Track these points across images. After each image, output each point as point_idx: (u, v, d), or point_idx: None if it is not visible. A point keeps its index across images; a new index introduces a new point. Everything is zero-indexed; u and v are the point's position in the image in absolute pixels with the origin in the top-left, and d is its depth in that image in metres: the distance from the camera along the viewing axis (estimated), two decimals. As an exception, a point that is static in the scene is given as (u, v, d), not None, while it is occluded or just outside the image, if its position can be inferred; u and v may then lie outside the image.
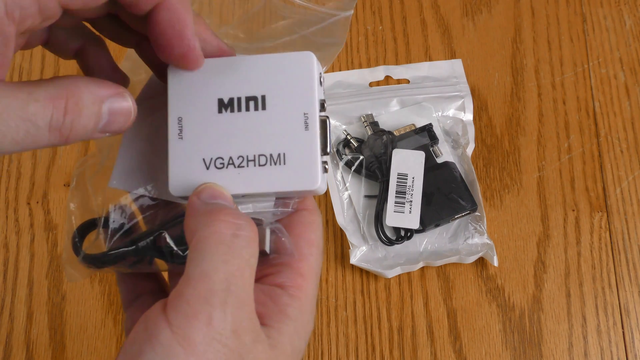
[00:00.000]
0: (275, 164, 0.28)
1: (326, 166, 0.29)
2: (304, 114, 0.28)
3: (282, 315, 0.28)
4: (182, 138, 0.29)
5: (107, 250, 0.31)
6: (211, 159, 0.29)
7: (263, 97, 0.29)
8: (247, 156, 0.28)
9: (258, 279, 0.29)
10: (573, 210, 0.59)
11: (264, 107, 0.28)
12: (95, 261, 0.31)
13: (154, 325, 0.25)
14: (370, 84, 0.64)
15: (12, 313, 0.56)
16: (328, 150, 0.28)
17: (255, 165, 0.28)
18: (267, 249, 0.29)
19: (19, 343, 0.55)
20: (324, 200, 0.59)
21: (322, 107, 0.28)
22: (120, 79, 0.32)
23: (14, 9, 0.24)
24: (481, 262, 0.57)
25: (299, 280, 0.29)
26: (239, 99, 0.29)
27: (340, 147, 0.60)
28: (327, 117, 0.28)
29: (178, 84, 0.30)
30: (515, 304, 0.56)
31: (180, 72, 0.30)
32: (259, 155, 0.28)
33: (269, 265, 0.30)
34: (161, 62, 0.30)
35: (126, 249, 0.31)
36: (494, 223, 0.59)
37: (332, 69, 0.64)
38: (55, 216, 0.59)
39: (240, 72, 0.29)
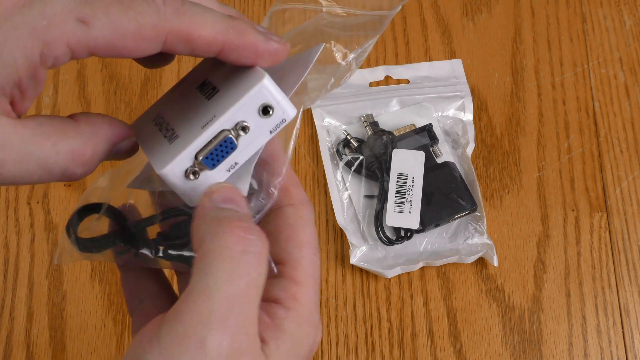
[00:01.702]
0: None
1: (194, 174, 0.28)
2: (213, 116, 0.27)
3: (279, 330, 0.26)
4: None
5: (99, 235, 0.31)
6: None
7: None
8: None
9: None
10: (573, 210, 0.59)
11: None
12: (86, 244, 0.31)
13: (143, 346, 0.24)
14: (370, 84, 0.64)
15: (12, 313, 0.56)
16: (211, 164, 0.27)
17: None
18: None
19: (19, 343, 0.55)
20: (324, 200, 0.59)
21: (242, 129, 0.27)
22: None
23: (48, 59, 0.25)
24: (481, 262, 0.57)
25: (293, 290, 0.27)
26: None
27: (340, 147, 0.60)
28: (234, 135, 0.27)
29: None
30: (515, 304, 0.56)
31: None
32: None
33: None
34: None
35: (105, 235, 0.31)
36: (494, 223, 0.59)
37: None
38: (56, 216, 0.59)
39: None
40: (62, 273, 0.57)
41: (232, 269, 0.24)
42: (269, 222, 0.29)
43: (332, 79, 0.31)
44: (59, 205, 0.59)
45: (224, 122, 0.27)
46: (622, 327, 0.56)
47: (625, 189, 0.60)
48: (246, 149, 0.28)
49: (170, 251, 0.31)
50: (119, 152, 0.29)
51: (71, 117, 0.28)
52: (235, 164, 0.28)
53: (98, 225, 0.32)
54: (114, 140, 0.28)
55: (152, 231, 0.32)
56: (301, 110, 0.30)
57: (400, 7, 0.33)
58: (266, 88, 0.27)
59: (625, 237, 0.58)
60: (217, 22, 0.27)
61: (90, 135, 0.27)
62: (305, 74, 0.29)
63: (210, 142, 0.27)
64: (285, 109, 0.27)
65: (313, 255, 0.29)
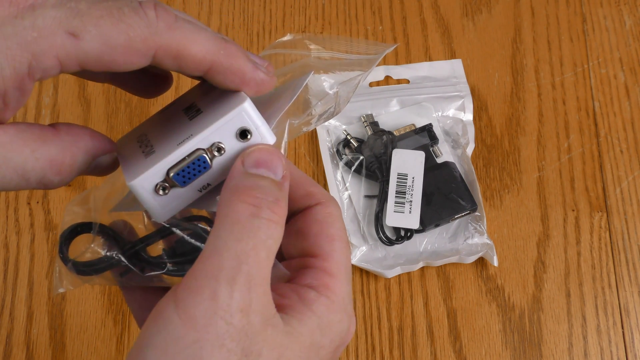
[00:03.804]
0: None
1: (164, 189, 0.27)
2: (190, 134, 0.27)
3: (306, 308, 0.27)
4: None
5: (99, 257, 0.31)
6: None
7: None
8: None
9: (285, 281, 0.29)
10: (573, 210, 0.59)
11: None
12: (84, 268, 0.31)
13: (163, 302, 0.25)
14: (370, 84, 0.64)
15: (12, 313, 0.56)
16: (182, 181, 0.27)
17: None
18: None
19: (19, 343, 0.55)
20: (324, 200, 0.59)
21: (217, 150, 0.27)
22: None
23: (36, 71, 0.25)
24: (481, 262, 0.57)
25: (326, 279, 0.28)
26: None
27: (340, 147, 0.60)
28: (209, 156, 0.27)
29: None
30: (515, 304, 0.56)
31: None
32: None
33: (293, 269, 0.29)
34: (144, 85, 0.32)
35: (111, 255, 0.31)
36: (494, 223, 0.59)
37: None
38: (55, 216, 0.59)
39: None
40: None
41: (239, 230, 0.25)
42: (297, 221, 0.30)
43: (332, 108, 0.32)
44: (58, 205, 0.59)
45: (199, 140, 0.27)
46: (622, 327, 0.56)
47: (625, 189, 0.60)
48: (220, 171, 0.28)
49: (178, 267, 0.31)
50: (98, 167, 0.29)
51: (52, 126, 0.28)
52: (208, 185, 0.28)
53: (96, 248, 0.31)
54: (94, 152, 0.28)
55: (152, 250, 0.32)
56: (285, 136, 0.30)
57: (386, 53, 0.34)
58: (246, 112, 0.27)
59: (625, 237, 0.58)
60: (208, 41, 0.27)
61: (70, 144, 0.28)
62: (291, 103, 0.29)
63: (183, 159, 0.27)
64: (264, 135, 0.27)
65: (344, 249, 0.29)
